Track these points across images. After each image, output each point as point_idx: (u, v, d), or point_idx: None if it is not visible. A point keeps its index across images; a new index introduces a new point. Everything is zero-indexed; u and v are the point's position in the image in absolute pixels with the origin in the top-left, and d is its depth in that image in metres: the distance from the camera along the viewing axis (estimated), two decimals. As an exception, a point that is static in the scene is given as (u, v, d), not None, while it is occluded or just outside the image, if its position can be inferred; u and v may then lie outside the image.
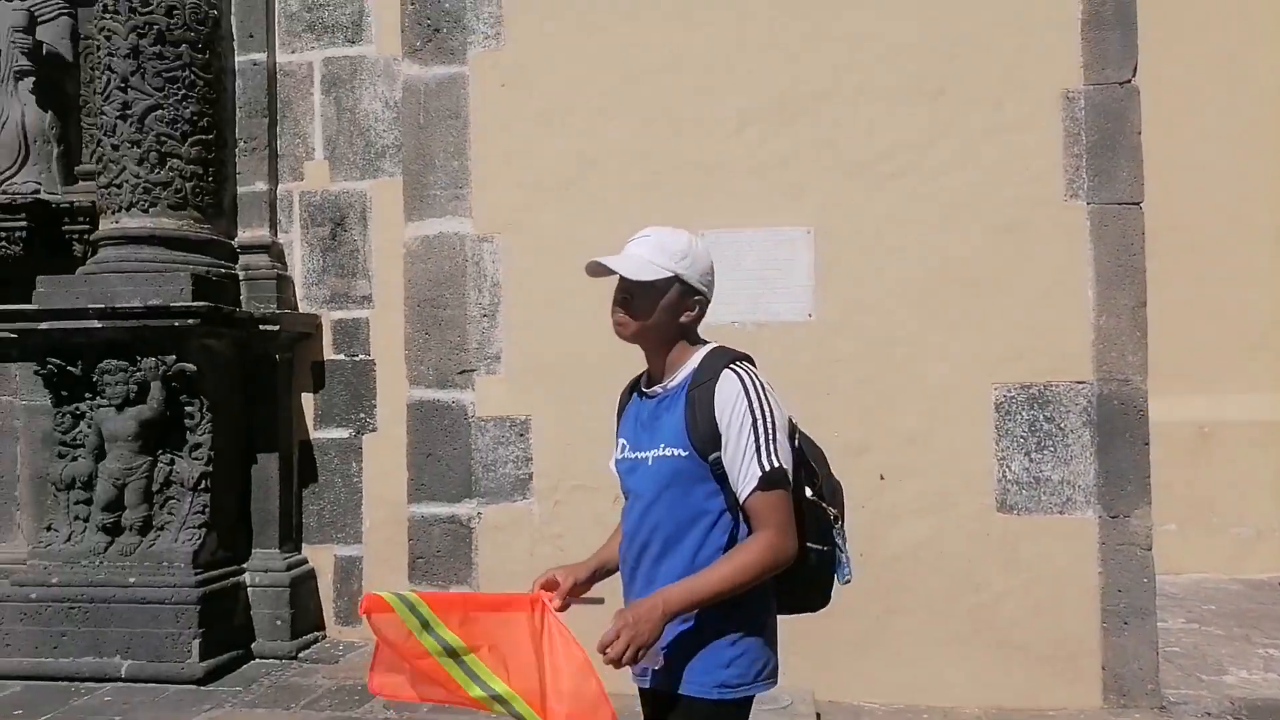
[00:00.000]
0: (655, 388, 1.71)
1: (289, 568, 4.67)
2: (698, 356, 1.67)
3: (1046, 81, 3.73)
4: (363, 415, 4.84)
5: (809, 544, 1.63)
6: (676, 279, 1.64)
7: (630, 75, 3.95)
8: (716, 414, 1.58)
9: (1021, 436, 3.74)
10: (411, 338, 4.16)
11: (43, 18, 4.91)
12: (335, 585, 4.85)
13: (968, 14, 3.78)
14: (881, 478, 3.76)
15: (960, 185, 3.76)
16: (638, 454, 1.69)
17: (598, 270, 1.68)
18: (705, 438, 1.58)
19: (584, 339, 3.67)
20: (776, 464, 1.55)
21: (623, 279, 1.65)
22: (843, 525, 1.72)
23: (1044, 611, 3.69)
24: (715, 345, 1.70)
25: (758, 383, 1.60)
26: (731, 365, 1.62)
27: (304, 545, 4.87)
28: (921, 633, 3.74)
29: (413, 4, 4.11)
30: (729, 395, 1.58)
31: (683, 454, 1.60)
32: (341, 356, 4.88)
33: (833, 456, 1.80)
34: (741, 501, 1.57)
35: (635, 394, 1.77)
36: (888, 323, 3.79)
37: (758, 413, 1.56)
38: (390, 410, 4.71)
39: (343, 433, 4.85)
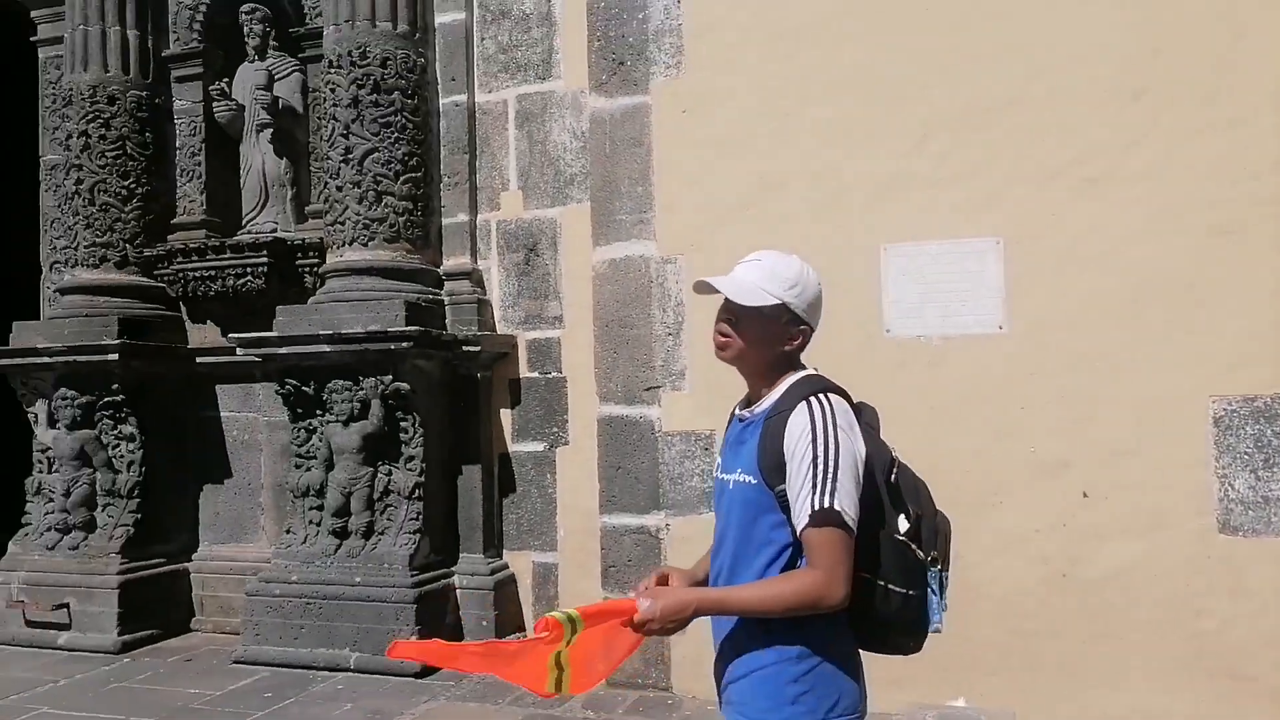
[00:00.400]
0: (746, 411, 1.70)
1: (492, 572, 5.01)
2: (786, 384, 1.64)
3: (1265, 71, 3.46)
4: (556, 430, 5.12)
5: (891, 586, 1.56)
6: (784, 307, 1.62)
7: (809, 96, 4.00)
8: (784, 445, 1.55)
9: (1246, 453, 3.48)
10: (600, 356, 4.38)
11: (279, 75, 5.53)
12: (534, 589, 5.14)
13: (1171, 6, 3.57)
14: (1085, 495, 3.60)
15: (1166, 188, 3.55)
16: (724, 475, 1.70)
17: (704, 289, 1.67)
18: (772, 468, 1.57)
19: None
20: (828, 504, 1.49)
21: (728, 300, 1.65)
22: (943, 569, 1.63)
23: (1277, 643, 3.40)
24: (807, 374, 1.66)
25: (830, 418, 1.55)
26: (811, 397, 1.57)
27: (505, 551, 5.19)
28: (1134, 659, 3.54)
29: (598, 40, 4.34)
30: (797, 428, 1.55)
31: (753, 482, 1.60)
32: (536, 374, 5.18)
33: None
34: (798, 536, 1.55)
35: (734, 415, 1.77)
36: (1088, 334, 3.62)
37: (820, 449, 1.51)
38: (581, 425, 4.96)
39: (538, 446, 5.15)
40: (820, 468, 1.51)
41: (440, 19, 5.20)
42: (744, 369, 1.69)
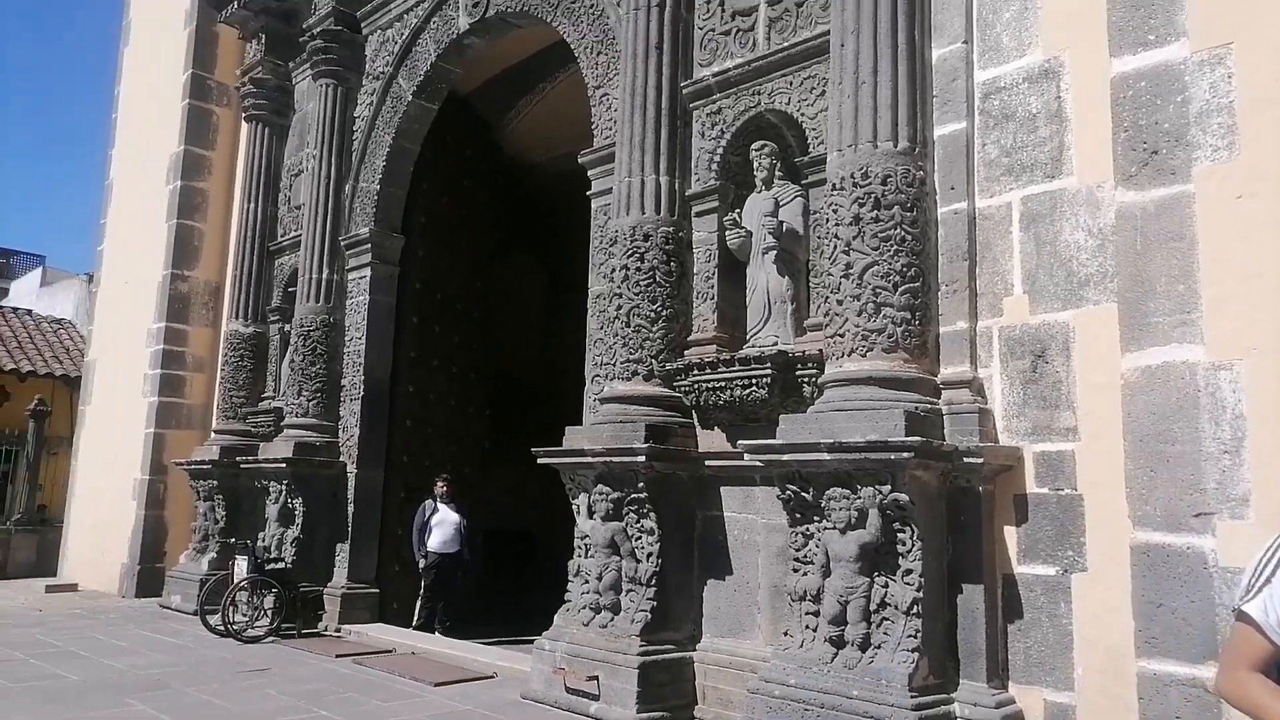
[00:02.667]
0: None
1: (998, 705, 4.61)
2: None
3: None
4: (1070, 553, 4.63)
5: None
6: None
7: None
8: None
9: None
10: (1133, 475, 3.89)
11: (783, 202, 6.02)
12: (1046, 732, 4.62)
13: None
14: None
15: None
16: None
17: None
18: None
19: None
20: (1240, 606, 1.67)
21: None
22: None
23: None
24: None
25: None
26: None
27: (1010, 683, 4.76)
28: None
29: (1124, 131, 4.02)
30: None
31: None
32: (1045, 490, 4.77)
33: None
34: None
35: None
36: None
37: (1266, 555, 1.67)
38: (1101, 549, 4.42)
39: (1048, 570, 4.69)
40: (1255, 571, 1.68)
41: (939, 131, 5.26)
42: None
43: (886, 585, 4.80)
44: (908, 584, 4.72)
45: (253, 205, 11.19)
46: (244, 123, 11.80)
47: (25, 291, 23.55)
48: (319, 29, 10.30)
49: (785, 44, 6.11)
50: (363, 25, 10.28)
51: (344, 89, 10.31)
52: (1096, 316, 4.50)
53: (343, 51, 10.25)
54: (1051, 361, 4.81)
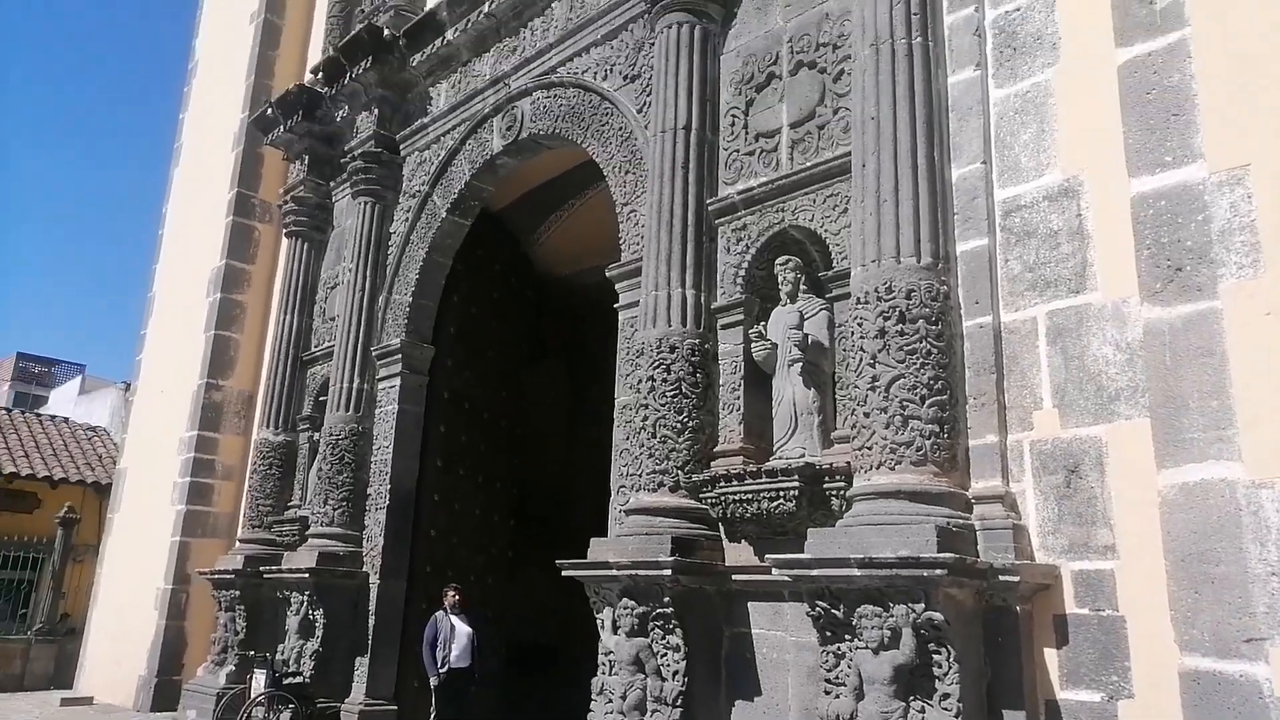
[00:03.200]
0: None
1: (1046, 844, 4.34)
2: None
3: None
4: (1115, 678, 4.44)
5: None
6: None
7: None
8: None
9: None
10: (1177, 597, 3.77)
11: (808, 315, 6.08)
12: None
13: None
14: None
15: None
16: None
17: None
18: None
19: None
20: None
21: None
22: None
23: None
24: None
25: None
26: None
27: (1060, 820, 4.50)
28: None
29: (1147, 248, 4.06)
30: None
31: None
32: (1085, 611, 4.61)
33: None
34: None
35: None
36: None
37: None
38: (1148, 674, 4.24)
39: (1093, 696, 4.49)
40: None
41: (962, 247, 5.34)
42: None
43: (924, 711, 4.60)
44: (945, 709, 4.52)
45: (289, 317, 11.47)
46: (284, 238, 12.23)
47: (65, 399, 24.08)
48: (360, 151, 10.76)
49: (808, 164, 6.29)
50: (401, 147, 10.74)
51: (381, 206, 10.68)
52: (1129, 431, 4.45)
53: (381, 171, 10.67)
54: (1085, 477, 4.72)
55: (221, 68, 14.56)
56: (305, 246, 11.68)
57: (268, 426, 11.18)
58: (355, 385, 10.11)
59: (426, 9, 10.63)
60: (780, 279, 6.26)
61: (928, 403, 5.02)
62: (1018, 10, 5.35)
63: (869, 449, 5.15)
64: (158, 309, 14.64)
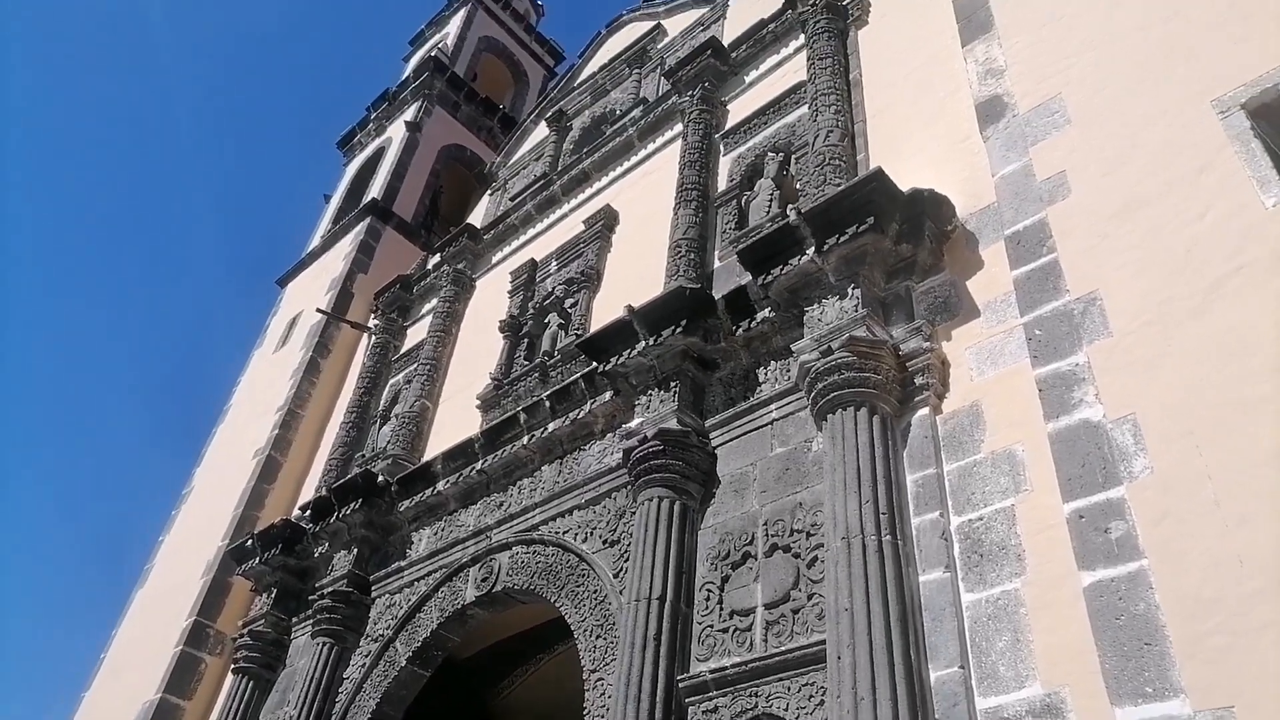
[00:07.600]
0: None
1: None
2: None
3: None
4: None
5: None
6: None
7: None
8: None
9: None
10: None
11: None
12: None
13: None
14: None
15: None
16: None
17: None
18: None
19: None
20: None
21: None
22: None
23: None
24: None
25: None
26: None
27: None
28: None
29: None
30: None
31: None
32: None
33: None
34: None
35: None
36: None
37: None
38: None
39: None
40: None
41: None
42: None
43: None
44: None
45: (212, 767, 10.37)
46: (230, 674, 11.53)
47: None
48: (331, 589, 10.58)
49: (781, 648, 6.13)
50: (373, 588, 10.59)
51: (339, 649, 10.22)
52: None
53: (348, 611, 10.39)
54: None
55: (213, 494, 14.93)
56: (250, 685, 10.95)
57: None
58: None
59: (423, 460, 11.21)
60: (754, 777, 5.76)
61: None
62: (980, 519, 5.61)
63: None
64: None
